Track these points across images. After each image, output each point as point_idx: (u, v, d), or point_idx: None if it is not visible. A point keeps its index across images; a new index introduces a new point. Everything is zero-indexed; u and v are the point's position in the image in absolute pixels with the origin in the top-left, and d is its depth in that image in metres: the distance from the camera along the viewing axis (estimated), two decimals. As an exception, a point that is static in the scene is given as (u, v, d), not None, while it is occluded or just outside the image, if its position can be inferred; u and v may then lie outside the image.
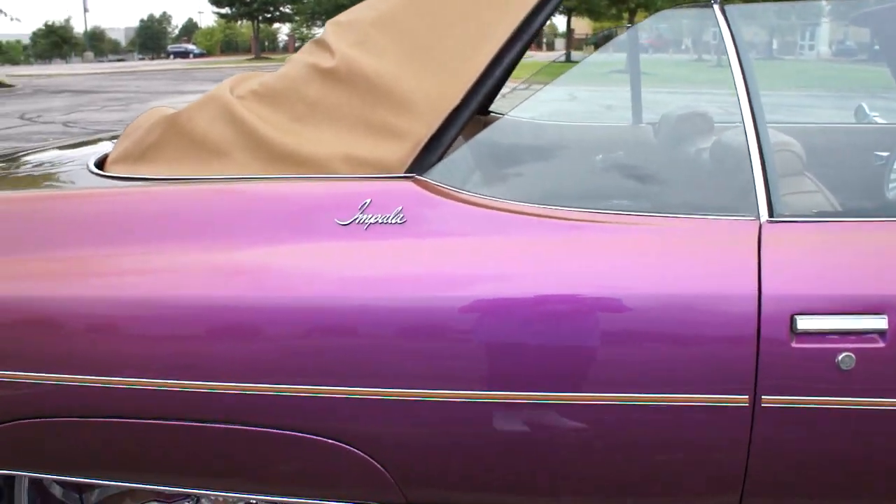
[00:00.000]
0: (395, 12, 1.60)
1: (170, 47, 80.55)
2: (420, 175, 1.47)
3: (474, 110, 1.50)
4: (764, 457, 1.40)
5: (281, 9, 61.77)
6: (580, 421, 1.42)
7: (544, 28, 1.53)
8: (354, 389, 1.41)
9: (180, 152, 1.65)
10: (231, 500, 1.67)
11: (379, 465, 1.46)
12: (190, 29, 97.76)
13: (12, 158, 2.17)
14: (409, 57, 1.54)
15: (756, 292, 1.35)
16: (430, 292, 1.40)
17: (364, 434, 1.45)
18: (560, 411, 1.41)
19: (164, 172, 1.64)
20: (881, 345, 1.34)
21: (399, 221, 1.43)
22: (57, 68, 49.68)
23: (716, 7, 1.65)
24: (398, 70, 1.52)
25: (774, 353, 1.35)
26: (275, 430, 1.46)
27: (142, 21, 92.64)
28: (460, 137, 1.58)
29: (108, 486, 1.68)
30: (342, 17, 1.71)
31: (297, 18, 62.67)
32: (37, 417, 1.51)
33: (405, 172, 1.48)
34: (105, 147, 2.01)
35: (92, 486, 1.77)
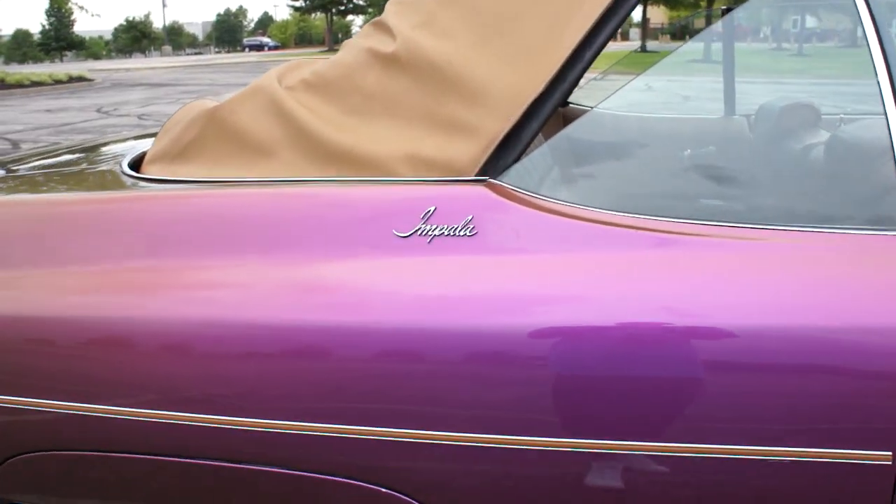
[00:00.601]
0: None
1: (245, 40, 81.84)
2: (494, 178, 1.25)
3: (558, 102, 1.26)
4: None
5: (354, 1, 62.14)
6: (681, 476, 1.17)
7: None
8: (411, 432, 1.19)
9: (221, 150, 1.46)
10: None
11: None
12: (265, 22, 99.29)
13: (53, 154, 2.02)
14: (482, 40, 1.31)
15: None
16: (504, 319, 1.17)
17: (419, 482, 1.23)
18: (658, 462, 1.16)
19: (203, 173, 1.45)
20: None
21: (468, 233, 1.20)
22: (136, 62, 50.92)
23: None
24: (469, 55, 1.30)
25: None
26: (325, 476, 1.25)
27: (218, 15, 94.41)
28: (540, 134, 1.34)
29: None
30: None
31: (370, 10, 62.91)
32: (51, 450, 1.34)
33: (476, 175, 1.25)
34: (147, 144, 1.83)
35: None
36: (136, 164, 1.61)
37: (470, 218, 1.21)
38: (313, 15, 71.00)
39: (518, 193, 1.23)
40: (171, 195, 1.41)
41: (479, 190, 1.23)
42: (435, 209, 1.22)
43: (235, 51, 78.33)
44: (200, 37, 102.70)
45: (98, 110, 15.56)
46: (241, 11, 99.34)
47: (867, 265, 1.16)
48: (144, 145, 1.74)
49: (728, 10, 2.90)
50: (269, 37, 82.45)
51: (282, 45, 75.97)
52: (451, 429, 1.18)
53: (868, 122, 1.73)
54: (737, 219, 1.23)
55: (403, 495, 1.23)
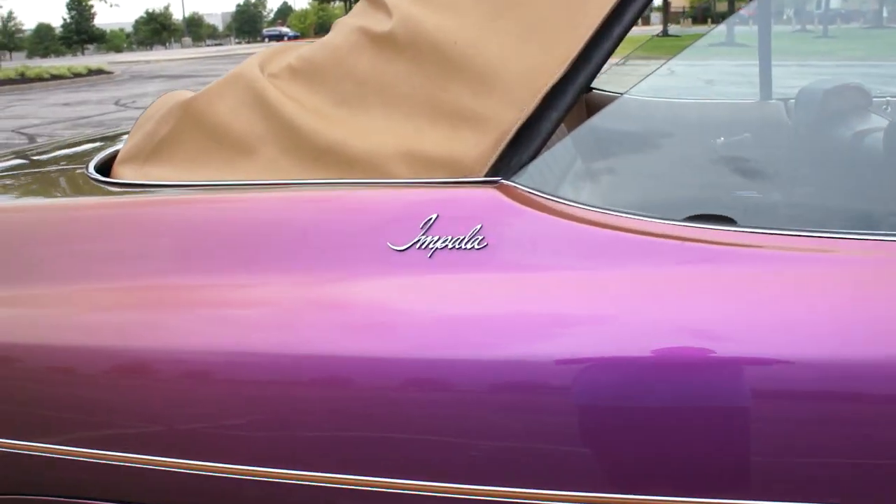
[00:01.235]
0: None
1: (264, 31, 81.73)
2: (507, 179, 1.05)
3: (582, 87, 1.06)
4: None
5: (373, -11, 61.73)
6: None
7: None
8: (399, 482, 1.01)
9: (198, 148, 1.28)
10: None
11: None
12: (284, 12, 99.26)
13: (24, 155, 1.84)
14: (492, 14, 1.11)
15: None
16: (520, 348, 0.98)
17: None
18: None
19: (176, 175, 1.27)
20: None
21: (477, 246, 1.01)
22: (156, 54, 51.02)
23: None
24: (477, 33, 1.10)
25: None
26: None
27: (238, 6, 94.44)
28: (562, 126, 1.13)
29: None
30: None
31: (389, -1, 62.43)
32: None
33: (486, 175, 1.06)
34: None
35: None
36: (109, 164, 1.43)
37: (478, 227, 1.01)
38: (332, 3, 70.78)
39: (536, 197, 1.04)
40: (135, 203, 1.22)
41: (490, 193, 1.04)
42: (437, 217, 1.02)
43: (255, 41, 78.36)
44: (220, 28, 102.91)
45: (116, 103, 15.49)
46: (261, 1, 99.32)
47: None
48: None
49: None
50: (288, 27, 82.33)
51: (301, 35, 75.83)
52: (459, 480, 1.00)
53: None
54: (796, 224, 1.03)
55: None
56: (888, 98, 2.28)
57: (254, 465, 1.06)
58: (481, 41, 1.09)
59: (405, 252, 1.03)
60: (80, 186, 1.35)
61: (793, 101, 2.39)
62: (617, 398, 0.96)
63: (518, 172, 1.06)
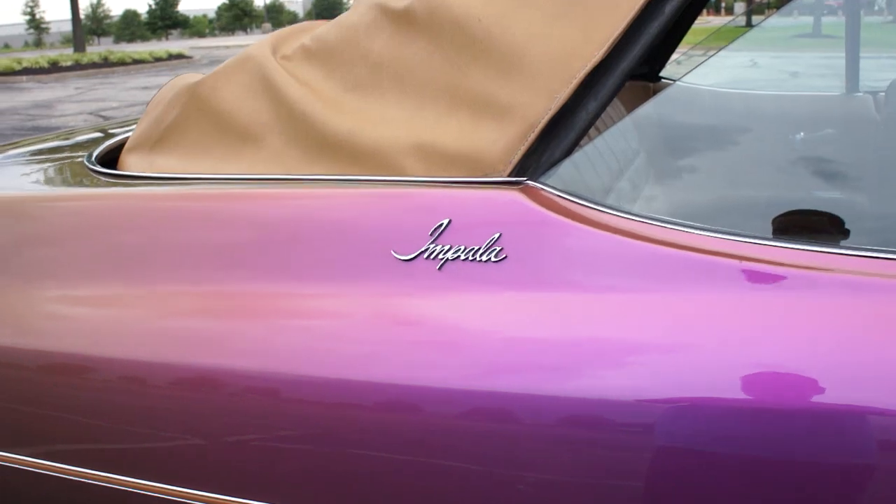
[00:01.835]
0: None
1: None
2: (535, 180, 0.90)
3: (627, 72, 0.90)
4: None
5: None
6: None
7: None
8: None
9: (202, 137, 1.17)
10: None
11: None
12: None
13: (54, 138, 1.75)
14: None
15: None
16: (537, 385, 0.82)
17: None
18: None
19: (179, 166, 1.16)
20: None
21: (494, 258, 0.86)
22: (237, 40, 51.89)
23: None
24: (504, 9, 0.95)
25: None
26: None
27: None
28: (602, 117, 0.97)
29: None
30: None
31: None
32: None
33: (510, 175, 0.91)
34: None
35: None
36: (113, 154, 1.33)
37: (497, 236, 0.86)
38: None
39: (567, 202, 0.88)
40: (122, 197, 1.11)
41: (513, 196, 0.89)
42: (449, 223, 0.88)
43: (334, 28, 78.73)
44: (301, 14, 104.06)
45: (193, 87, 15.67)
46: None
47: None
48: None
49: None
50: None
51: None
52: None
53: None
54: (885, 236, 0.85)
55: None
56: None
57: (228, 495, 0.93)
58: (509, 18, 0.93)
59: (411, 262, 0.88)
60: (73, 176, 1.25)
61: (883, 94, 2.16)
62: (674, 447, 0.80)
63: (547, 172, 0.90)
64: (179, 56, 24.81)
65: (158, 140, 1.23)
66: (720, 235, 0.83)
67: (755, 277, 0.80)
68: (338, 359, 0.88)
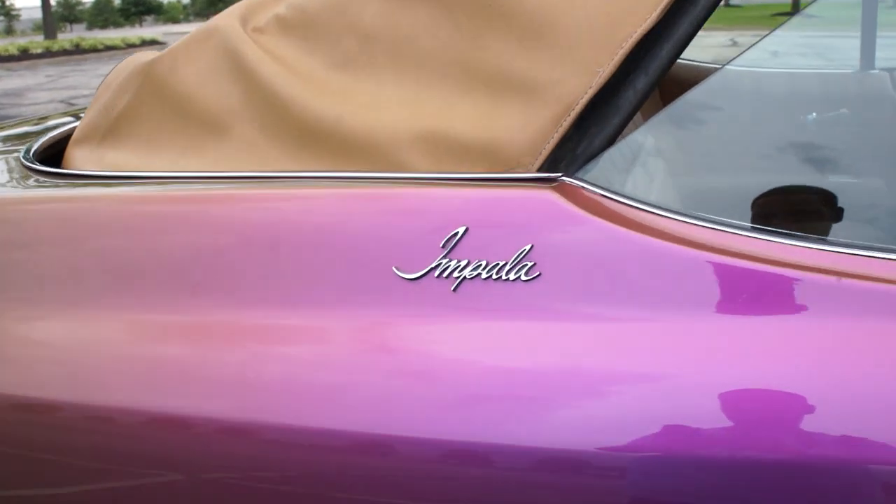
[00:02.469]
0: None
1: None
2: (572, 176, 0.72)
3: (684, 42, 0.72)
4: None
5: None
6: None
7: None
8: None
9: (159, 125, 0.99)
10: None
11: None
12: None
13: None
14: None
15: None
16: (594, 436, 0.64)
17: None
18: None
19: (132, 161, 0.98)
20: None
21: (525, 276, 0.68)
22: (212, 26, 51.12)
23: None
24: None
25: None
26: None
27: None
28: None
29: None
30: None
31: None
32: None
33: (540, 170, 0.73)
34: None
35: None
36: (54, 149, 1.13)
37: (527, 249, 0.68)
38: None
39: (617, 205, 0.70)
40: (62, 201, 0.92)
41: (545, 197, 0.70)
42: (465, 231, 0.70)
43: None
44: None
45: (166, 74, 15.35)
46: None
47: None
48: None
49: None
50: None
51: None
52: None
53: None
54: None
55: None
56: None
57: None
58: None
59: (418, 282, 0.70)
60: (5, 173, 1.05)
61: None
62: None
63: (586, 166, 0.72)
64: (153, 42, 24.34)
65: (108, 131, 1.04)
66: (826, 247, 0.66)
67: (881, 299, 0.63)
68: (328, 408, 0.70)
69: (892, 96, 2.02)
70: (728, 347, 0.63)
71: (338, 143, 0.81)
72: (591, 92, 0.71)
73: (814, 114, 1.93)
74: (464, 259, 0.69)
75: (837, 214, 1.09)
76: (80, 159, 1.05)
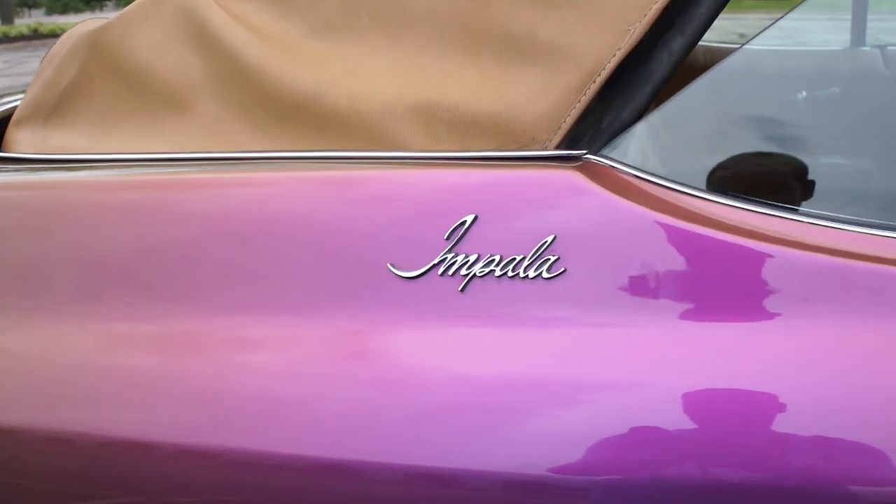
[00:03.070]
0: None
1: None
2: (597, 153, 0.61)
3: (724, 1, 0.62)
4: None
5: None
6: None
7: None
8: None
9: (110, 102, 0.88)
10: None
11: None
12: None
13: None
14: None
15: None
16: (631, 460, 0.54)
17: None
18: None
19: (79, 143, 0.87)
20: None
21: (547, 273, 0.57)
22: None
23: None
24: None
25: None
26: None
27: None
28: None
29: None
30: None
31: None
32: None
33: (559, 147, 0.62)
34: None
35: None
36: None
37: (550, 240, 0.57)
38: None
39: (654, 188, 0.60)
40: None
41: (567, 178, 0.60)
42: (475, 220, 0.59)
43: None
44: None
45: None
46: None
47: None
48: None
49: None
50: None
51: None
52: None
53: None
54: None
55: None
56: None
57: None
58: None
59: (418, 281, 0.59)
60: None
61: (893, 48, 1.94)
62: None
63: (613, 141, 0.61)
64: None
65: (53, 109, 0.93)
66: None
67: None
68: (310, 431, 0.59)
69: (884, 74, 1.96)
70: (823, 356, 0.53)
71: (317, 118, 0.70)
72: (619, 54, 0.60)
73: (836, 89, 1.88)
74: (473, 253, 0.58)
75: None
76: (21, 142, 0.93)
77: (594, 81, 0.61)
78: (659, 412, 0.54)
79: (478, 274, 0.58)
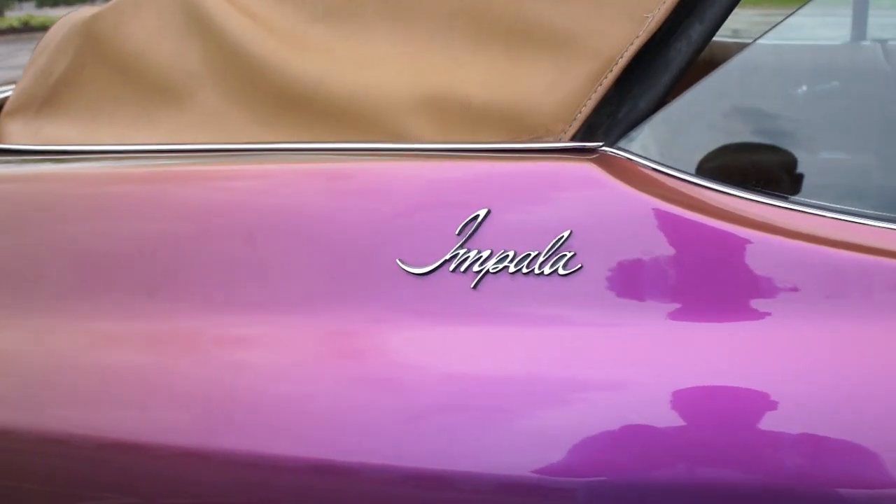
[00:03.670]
0: None
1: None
2: (614, 145, 0.59)
3: None
4: None
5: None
6: None
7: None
8: None
9: (104, 92, 0.86)
10: None
11: None
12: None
13: None
14: None
15: None
16: (660, 472, 0.52)
17: None
18: None
19: (73, 134, 0.85)
20: None
21: (563, 270, 0.55)
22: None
23: None
24: None
25: None
26: None
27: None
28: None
29: None
30: None
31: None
32: None
33: (574, 138, 0.60)
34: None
35: None
36: None
37: (566, 236, 0.55)
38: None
39: (675, 182, 0.57)
40: None
41: (584, 171, 0.58)
42: (487, 215, 0.56)
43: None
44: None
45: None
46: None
47: None
48: None
49: None
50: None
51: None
52: None
53: None
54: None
55: None
56: None
57: None
58: None
59: (429, 277, 0.57)
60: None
61: (894, 42, 1.93)
62: None
63: (631, 133, 0.59)
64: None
65: (46, 100, 0.90)
66: None
67: None
68: (316, 434, 0.56)
69: (885, 68, 1.94)
70: (850, 356, 0.51)
71: (321, 109, 0.68)
72: (637, 43, 0.58)
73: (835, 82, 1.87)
74: (486, 249, 0.56)
75: None
76: (13, 133, 0.91)
77: (611, 71, 0.59)
78: (688, 411, 0.52)
79: (491, 270, 0.56)
